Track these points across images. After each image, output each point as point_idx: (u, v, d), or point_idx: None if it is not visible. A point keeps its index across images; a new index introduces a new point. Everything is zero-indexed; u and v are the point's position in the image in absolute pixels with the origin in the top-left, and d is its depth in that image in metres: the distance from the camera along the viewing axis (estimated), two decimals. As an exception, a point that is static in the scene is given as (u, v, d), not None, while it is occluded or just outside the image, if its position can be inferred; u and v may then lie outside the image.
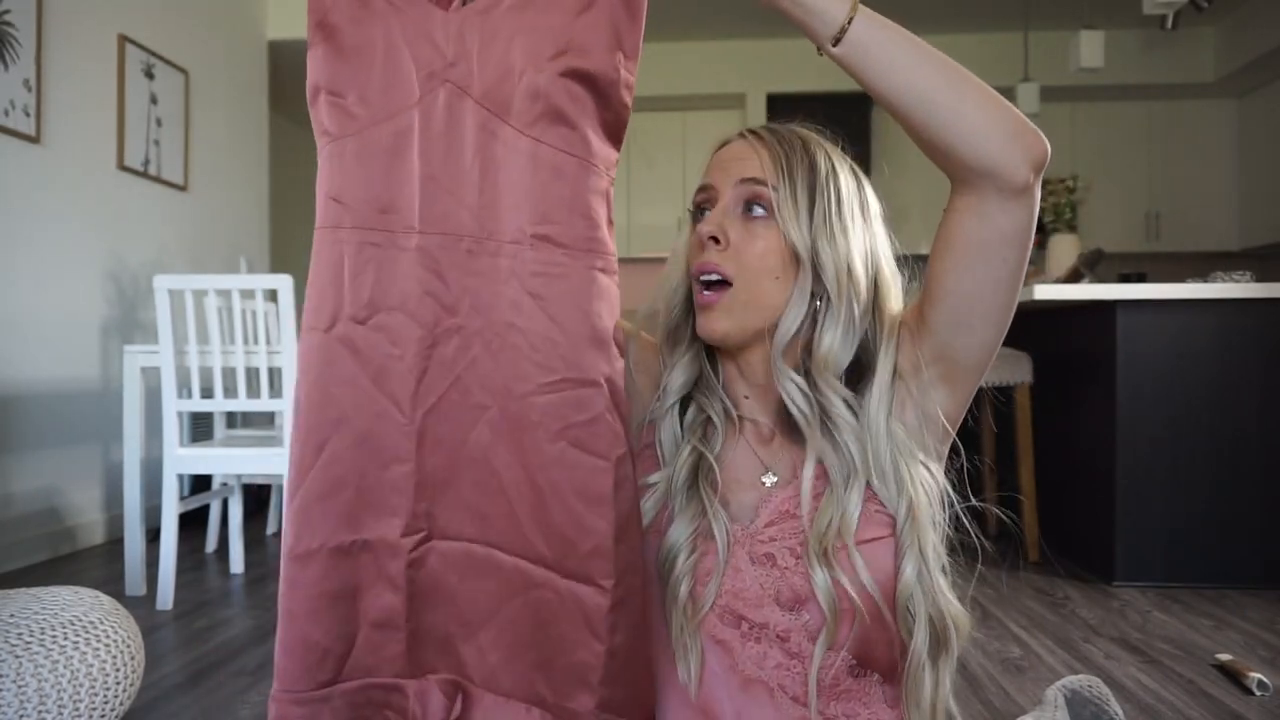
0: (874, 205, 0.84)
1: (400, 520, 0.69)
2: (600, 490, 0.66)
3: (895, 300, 0.82)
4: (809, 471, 0.77)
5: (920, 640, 0.74)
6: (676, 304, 0.86)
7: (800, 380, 0.79)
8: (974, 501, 0.83)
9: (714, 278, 0.79)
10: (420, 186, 0.67)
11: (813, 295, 0.79)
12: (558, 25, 0.66)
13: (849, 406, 0.77)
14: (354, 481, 0.69)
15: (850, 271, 0.78)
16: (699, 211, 0.85)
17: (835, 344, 0.78)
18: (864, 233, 0.81)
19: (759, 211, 0.80)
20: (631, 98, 0.68)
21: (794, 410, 0.79)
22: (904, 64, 0.68)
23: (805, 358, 0.80)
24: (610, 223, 0.70)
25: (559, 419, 0.66)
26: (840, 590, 0.74)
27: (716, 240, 0.79)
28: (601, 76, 0.66)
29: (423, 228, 0.67)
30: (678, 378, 0.85)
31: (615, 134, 0.69)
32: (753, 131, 0.84)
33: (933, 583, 0.75)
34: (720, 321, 0.80)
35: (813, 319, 0.80)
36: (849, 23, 0.67)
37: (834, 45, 0.68)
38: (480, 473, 0.68)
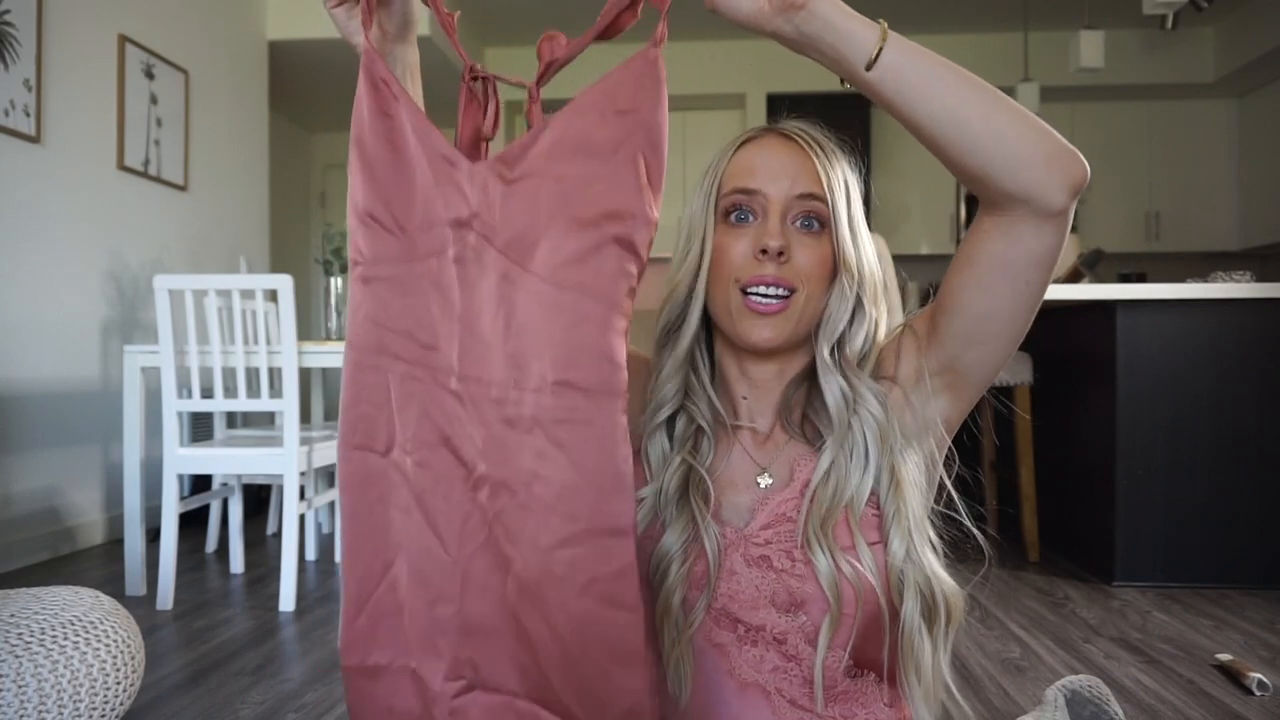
0: None
1: (444, 664, 0.67)
2: (632, 646, 0.63)
3: (887, 305, 0.86)
4: (824, 462, 0.78)
5: (911, 608, 0.74)
6: (683, 304, 0.84)
7: (842, 379, 0.80)
8: (966, 514, 0.83)
9: (781, 291, 0.80)
10: (458, 328, 0.67)
11: (855, 298, 0.82)
12: (585, 175, 0.64)
13: (878, 400, 0.79)
14: (410, 611, 0.68)
15: (875, 276, 0.83)
16: (739, 213, 0.82)
17: (861, 340, 0.82)
18: (871, 242, 0.85)
19: (815, 225, 0.81)
20: (655, 231, 0.65)
21: (833, 407, 0.80)
22: (938, 88, 0.66)
23: (835, 355, 0.81)
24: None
25: (585, 573, 0.64)
26: (842, 578, 0.73)
27: (781, 253, 0.79)
28: (630, 225, 0.64)
29: (461, 370, 0.67)
30: (670, 387, 0.83)
31: (638, 275, 0.66)
32: (791, 134, 0.84)
33: (921, 558, 0.75)
34: (775, 329, 0.80)
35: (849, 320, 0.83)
36: (882, 45, 0.65)
37: (867, 70, 0.66)
38: (517, 626, 0.66)
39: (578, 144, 0.65)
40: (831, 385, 0.80)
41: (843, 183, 0.82)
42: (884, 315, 0.84)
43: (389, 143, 0.70)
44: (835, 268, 0.81)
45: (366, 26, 0.73)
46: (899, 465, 0.77)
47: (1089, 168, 0.68)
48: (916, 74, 0.66)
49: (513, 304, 0.66)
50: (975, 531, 0.81)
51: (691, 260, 0.84)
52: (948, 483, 0.83)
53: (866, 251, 0.83)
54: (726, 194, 0.83)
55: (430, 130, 0.69)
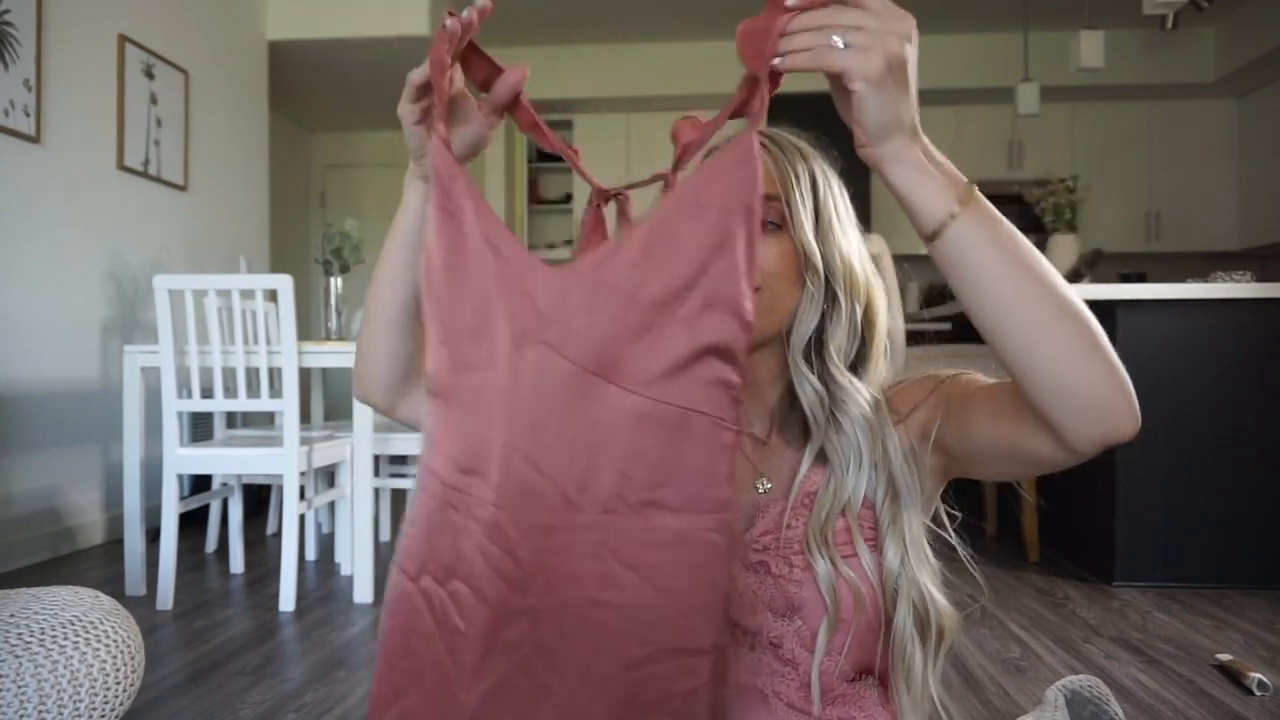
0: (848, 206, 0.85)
1: None
2: None
3: (880, 296, 0.83)
4: (805, 467, 0.78)
5: (904, 616, 0.74)
6: None
7: (815, 380, 0.79)
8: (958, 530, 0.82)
9: None
10: (502, 454, 0.61)
11: (824, 297, 0.80)
12: (679, 277, 0.57)
13: (866, 400, 0.78)
14: None
15: (852, 271, 0.81)
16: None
17: (844, 340, 0.80)
18: (854, 233, 0.83)
19: (771, 225, 0.81)
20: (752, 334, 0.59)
21: (807, 409, 0.79)
22: (1007, 287, 0.59)
23: (813, 357, 0.81)
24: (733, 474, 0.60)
25: (657, 691, 0.58)
26: (841, 583, 0.74)
27: None
28: (728, 329, 0.57)
29: (498, 501, 0.61)
30: None
31: (742, 383, 0.59)
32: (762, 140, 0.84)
33: (916, 574, 0.75)
34: None
35: (821, 319, 0.81)
36: (951, 219, 0.59)
37: (930, 240, 0.61)
38: None
39: (672, 244, 0.58)
40: (804, 388, 0.79)
41: (807, 179, 0.80)
42: (880, 304, 0.82)
43: (451, 245, 0.65)
44: (800, 266, 0.80)
45: (441, 138, 0.67)
46: (896, 474, 0.76)
47: (1139, 422, 0.60)
48: (984, 258, 0.60)
49: (586, 419, 0.59)
50: (968, 561, 0.81)
51: None
52: (944, 517, 0.82)
53: (843, 245, 0.80)
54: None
55: (501, 233, 0.64)
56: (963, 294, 0.62)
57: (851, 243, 0.82)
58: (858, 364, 0.81)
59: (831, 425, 0.78)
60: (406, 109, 0.70)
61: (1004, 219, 0.61)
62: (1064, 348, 0.59)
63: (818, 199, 0.81)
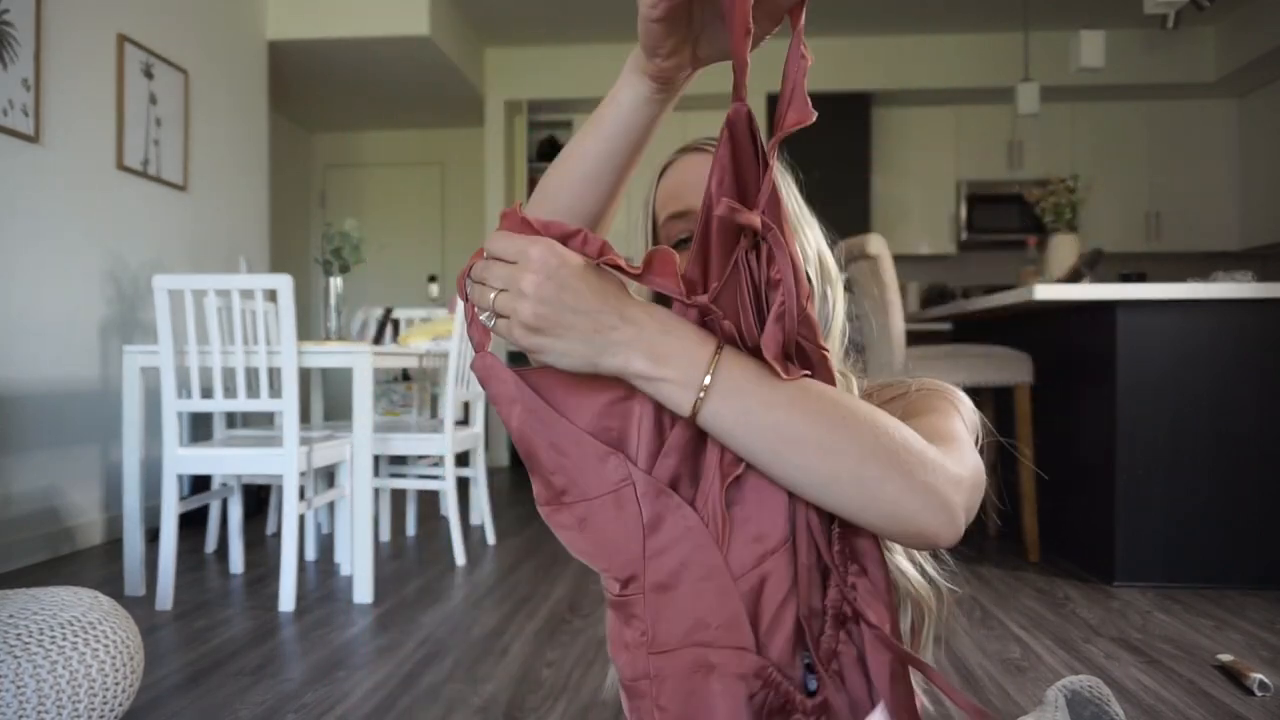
0: None
1: None
2: None
3: (840, 282, 0.84)
4: None
5: None
6: None
7: None
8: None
9: None
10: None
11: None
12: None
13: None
14: None
15: (823, 259, 0.82)
16: (685, 239, 0.82)
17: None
18: (815, 221, 0.84)
19: None
20: None
21: None
22: (771, 461, 0.58)
23: None
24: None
25: None
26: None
27: None
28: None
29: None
30: None
31: None
32: (702, 147, 0.84)
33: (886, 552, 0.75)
34: None
35: None
36: (693, 413, 0.57)
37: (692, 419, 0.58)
38: None
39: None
40: None
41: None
42: (839, 291, 0.83)
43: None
44: None
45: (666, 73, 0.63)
46: None
47: (959, 528, 0.60)
48: (742, 440, 0.58)
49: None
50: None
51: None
52: None
53: (810, 236, 0.82)
54: (664, 222, 0.84)
55: None
56: (757, 464, 0.59)
57: (815, 231, 0.84)
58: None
59: None
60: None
61: (759, 379, 0.57)
62: (849, 496, 0.57)
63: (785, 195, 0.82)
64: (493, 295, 0.58)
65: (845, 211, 5.11)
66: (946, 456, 0.61)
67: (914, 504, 0.57)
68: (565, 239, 0.59)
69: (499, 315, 0.58)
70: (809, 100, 0.57)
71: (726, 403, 0.56)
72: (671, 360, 0.57)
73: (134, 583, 2.37)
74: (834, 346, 0.82)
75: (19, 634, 1.31)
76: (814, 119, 0.57)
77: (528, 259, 0.57)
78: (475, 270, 0.60)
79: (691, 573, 0.60)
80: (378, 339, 3.13)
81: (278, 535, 3.15)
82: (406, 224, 6.24)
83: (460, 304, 0.64)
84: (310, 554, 2.83)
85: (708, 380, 0.56)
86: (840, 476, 0.57)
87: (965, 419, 0.75)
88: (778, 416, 0.56)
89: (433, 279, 5.28)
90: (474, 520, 3.42)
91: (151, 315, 3.37)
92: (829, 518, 0.61)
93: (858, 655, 0.61)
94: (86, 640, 1.36)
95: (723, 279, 0.60)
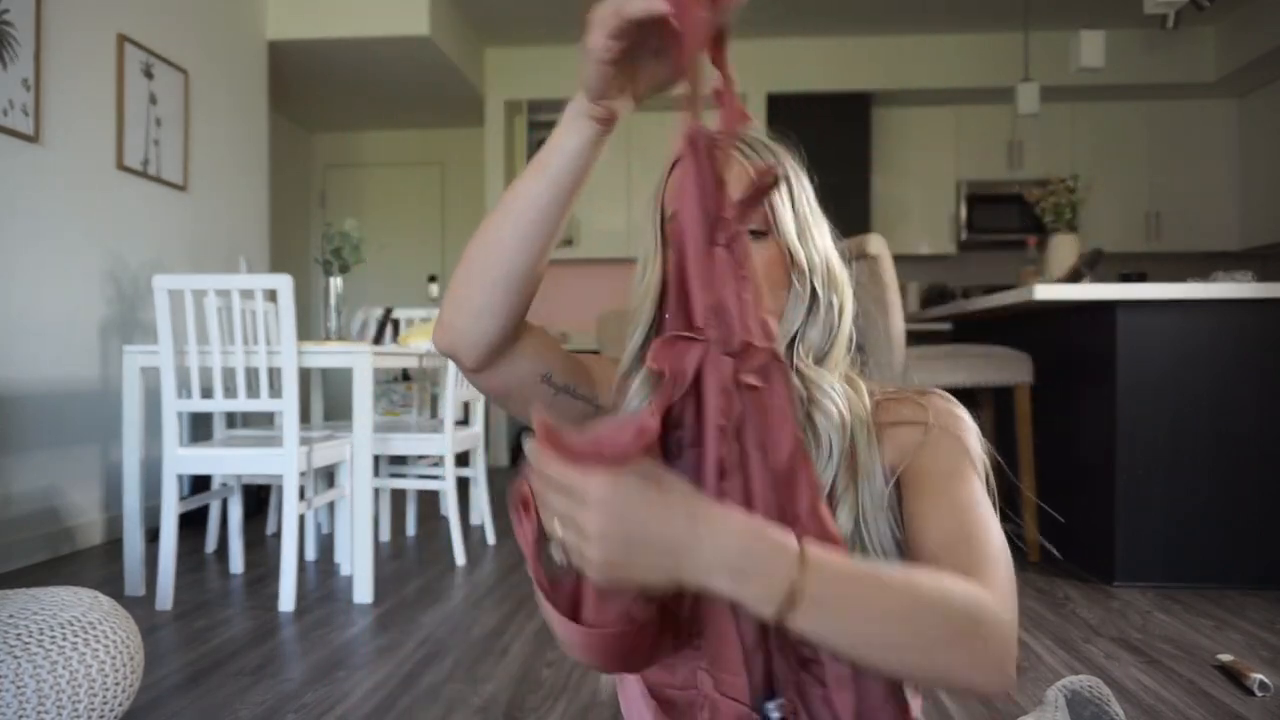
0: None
1: None
2: None
3: (849, 287, 0.83)
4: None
5: None
6: (647, 330, 0.83)
7: (794, 379, 0.79)
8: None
9: None
10: None
11: (810, 295, 0.80)
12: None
13: (839, 393, 0.78)
14: None
15: (830, 265, 0.81)
16: None
17: (818, 337, 0.80)
18: (825, 225, 0.83)
19: (755, 233, 0.80)
20: None
21: None
22: (861, 654, 0.59)
23: (788, 355, 0.80)
24: None
25: None
26: None
27: None
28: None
29: None
30: (636, 404, 0.80)
31: None
32: None
33: (874, 540, 0.75)
34: None
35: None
36: (782, 620, 0.57)
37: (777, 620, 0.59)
38: None
39: None
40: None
41: (782, 178, 0.79)
42: (847, 298, 0.82)
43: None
44: (787, 268, 0.80)
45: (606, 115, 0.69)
46: (864, 460, 0.76)
47: (1012, 678, 0.61)
48: (831, 641, 0.59)
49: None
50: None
51: (646, 287, 0.82)
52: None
53: (820, 241, 0.81)
54: (670, 218, 0.82)
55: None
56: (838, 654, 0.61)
57: (825, 236, 0.82)
58: (822, 355, 0.81)
59: (809, 431, 0.77)
60: (602, 43, 0.62)
61: (837, 582, 0.58)
62: (916, 676, 0.62)
63: (794, 198, 0.81)
64: (556, 525, 0.57)
65: (845, 212, 5.07)
66: (996, 593, 0.62)
67: (978, 678, 0.60)
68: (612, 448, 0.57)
69: (565, 551, 0.57)
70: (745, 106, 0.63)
71: (806, 617, 0.57)
72: (753, 579, 0.57)
73: (134, 583, 2.37)
74: (839, 355, 0.81)
75: (19, 634, 1.31)
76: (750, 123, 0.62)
77: (585, 495, 0.55)
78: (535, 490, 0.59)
79: None
80: (378, 339, 3.13)
81: (278, 535, 3.15)
82: (406, 224, 6.24)
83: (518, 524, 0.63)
84: (310, 554, 2.83)
85: (786, 594, 0.57)
86: (908, 663, 0.60)
87: (977, 462, 0.76)
88: (856, 626, 0.58)
89: (433, 279, 5.28)
90: (474, 520, 3.42)
91: (151, 315, 3.37)
92: None
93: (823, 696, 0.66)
94: (86, 640, 1.36)
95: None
